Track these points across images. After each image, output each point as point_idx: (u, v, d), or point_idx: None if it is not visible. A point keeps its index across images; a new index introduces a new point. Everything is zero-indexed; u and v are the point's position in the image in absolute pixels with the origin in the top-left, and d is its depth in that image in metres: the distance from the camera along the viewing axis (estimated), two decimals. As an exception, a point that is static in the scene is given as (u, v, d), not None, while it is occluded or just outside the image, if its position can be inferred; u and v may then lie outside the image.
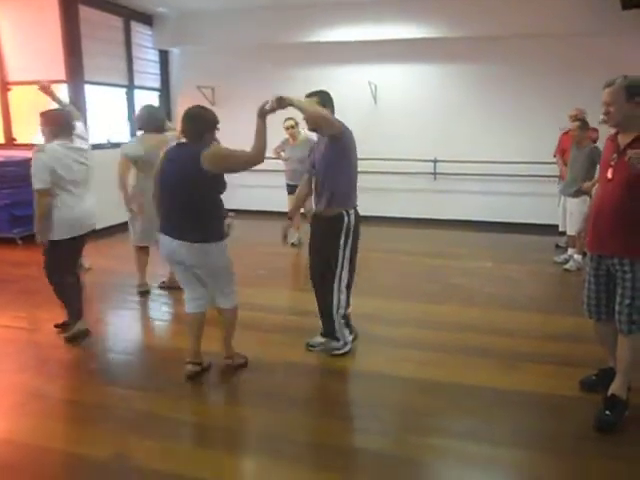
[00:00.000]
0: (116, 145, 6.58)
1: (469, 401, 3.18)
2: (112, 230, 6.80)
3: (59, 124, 3.73)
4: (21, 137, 7.39)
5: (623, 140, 2.80)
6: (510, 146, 7.86)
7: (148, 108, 4.86)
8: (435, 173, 8.31)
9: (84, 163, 3.81)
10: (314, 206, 3.72)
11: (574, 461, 2.63)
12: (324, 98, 3.56)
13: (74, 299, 3.94)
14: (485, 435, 2.84)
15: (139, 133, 4.86)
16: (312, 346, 3.82)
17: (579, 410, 3.03)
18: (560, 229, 6.17)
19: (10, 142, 7.47)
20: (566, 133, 6.21)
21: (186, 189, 3.07)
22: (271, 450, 2.74)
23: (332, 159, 3.50)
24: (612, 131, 2.95)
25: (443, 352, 3.80)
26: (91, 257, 5.36)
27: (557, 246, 6.64)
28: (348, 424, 3.00)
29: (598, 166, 3.77)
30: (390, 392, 3.33)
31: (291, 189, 6.72)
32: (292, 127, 6.48)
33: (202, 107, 3.18)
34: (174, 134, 4.66)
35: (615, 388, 2.92)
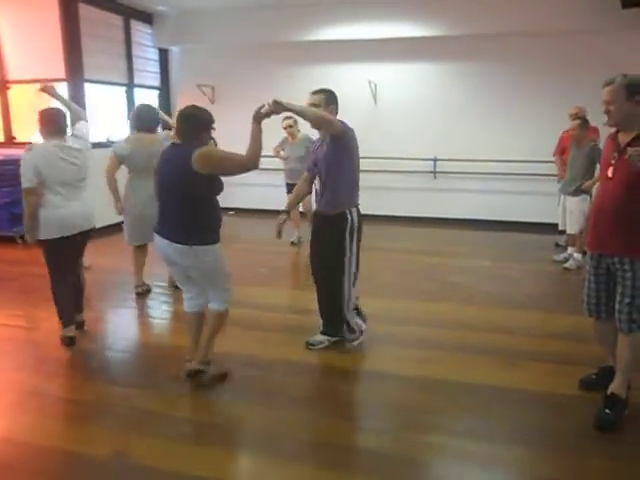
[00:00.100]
0: (116, 144, 6.57)
1: (468, 399, 3.18)
2: (112, 229, 6.78)
3: (50, 123, 3.72)
4: (21, 135, 7.38)
5: (623, 139, 2.79)
6: (510, 145, 7.86)
7: (140, 107, 4.86)
8: (435, 172, 8.30)
9: (75, 163, 3.74)
10: (315, 205, 3.72)
11: (574, 459, 2.63)
12: (329, 97, 3.56)
13: (64, 304, 3.90)
14: (484, 433, 2.84)
15: (130, 132, 4.84)
16: (312, 345, 3.82)
17: (579, 409, 3.03)
18: (560, 228, 6.17)
19: (10, 140, 7.47)
20: (566, 132, 6.20)
21: (177, 189, 3.03)
22: (271, 448, 2.74)
23: (334, 158, 3.51)
24: (612, 130, 2.95)
25: (442, 350, 3.80)
26: (91, 256, 5.34)
27: (557, 245, 6.64)
28: (348, 422, 3.00)
29: (598, 165, 3.78)
30: (389, 390, 3.33)
31: (290, 188, 6.72)
32: (290, 126, 6.49)
33: (197, 107, 3.13)
34: (169, 134, 4.65)
35: (615, 387, 2.92)
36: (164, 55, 9.23)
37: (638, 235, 2.78)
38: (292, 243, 6.84)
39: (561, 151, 6.50)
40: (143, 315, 4.77)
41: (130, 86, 8.45)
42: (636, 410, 2.94)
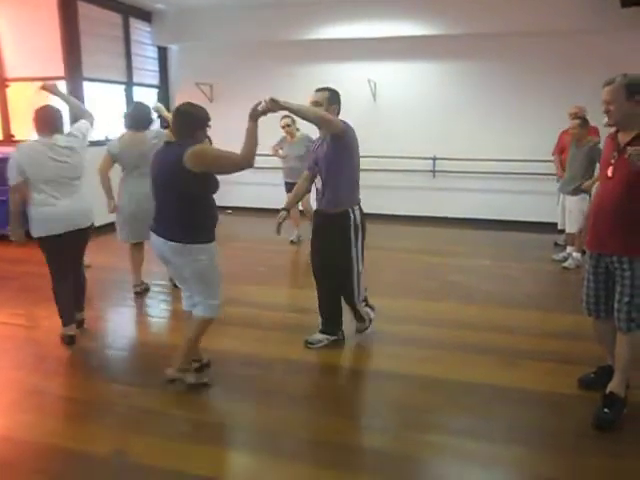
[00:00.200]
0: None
1: (468, 398, 3.19)
2: (111, 227, 6.76)
3: (42, 121, 3.71)
4: (19, 133, 7.36)
5: (623, 138, 2.80)
6: (509, 144, 7.86)
7: (133, 106, 4.85)
8: (434, 171, 8.31)
9: (65, 161, 3.69)
10: (316, 204, 3.72)
11: (573, 458, 2.64)
12: (332, 96, 3.58)
13: (64, 303, 3.90)
14: (484, 432, 2.85)
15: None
16: (311, 343, 3.82)
17: (578, 408, 3.03)
18: (559, 227, 6.18)
19: (8, 138, 7.45)
20: (566, 131, 6.21)
21: (171, 188, 3.01)
22: (270, 447, 2.74)
23: (334, 158, 3.52)
24: (612, 129, 2.95)
25: (442, 349, 3.80)
26: (91, 254, 5.33)
27: (556, 244, 6.65)
28: (347, 421, 2.99)
29: (597, 164, 3.78)
30: (389, 389, 3.33)
31: (289, 187, 6.72)
32: (288, 125, 6.50)
33: (192, 104, 3.11)
34: (159, 132, 4.62)
35: (613, 386, 2.93)
36: (163, 53, 9.22)
37: (637, 235, 2.78)
38: (291, 242, 6.84)
39: (560, 150, 6.51)
40: (142, 314, 4.77)
41: (129, 84, 8.44)
42: (635, 409, 2.95)
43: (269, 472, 2.58)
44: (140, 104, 4.96)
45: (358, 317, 3.92)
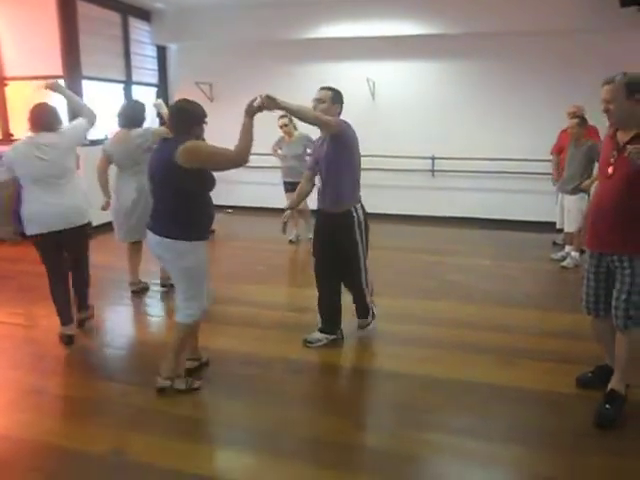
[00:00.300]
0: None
1: (467, 397, 3.19)
2: (110, 226, 6.78)
3: (33, 119, 3.71)
4: (18, 132, 7.35)
5: (622, 137, 2.80)
6: (508, 143, 7.86)
7: (124, 104, 4.83)
8: (433, 170, 8.30)
9: (46, 159, 3.63)
10: (318, 204, 3.74)
11: (571, 457, 2.64)
12: (335, 95, 3.61)
13: (62, 302, 3.89)
14: (483, 431, 2.85)
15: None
16: (310, 342, 3.82)
17: (576, 407, 3.04)
18: (558, 226, 6.18)
19: (7, 137, 7.44)
20: (565, 130, 6.21)
21: (165, 184, 3.00)
22: (270, 446, 2.74)
23: (334, 157, 3.54)
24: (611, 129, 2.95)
25: (441, 348, 3.80)
26: (90, 252, 5.34)
27: (554, 243, 6.65)
28: (346, 420, 2.99)
29: (596, 164, 3.78)
30: (388, 388, 3.34)
31: (288, 186, 6.72)
32: (286, 125, 6.49)
33: (189, 101, 3.10)
34: (147, 130, 4.59)
35: (614, 383, 2.94)
36: (162, 52, 9.20)
37: (637, 233, 2.79)
38: (290, 241, 6.83)
39: (559, 150, 6.51)
40: (141, 313, 4.76)
41: (128, 83, 8.43)
42: (634, 408, 2.96)
43: (268, 471, 2.58)
44: (132, 102, 4.93)
45: (361, 312, 3.92)
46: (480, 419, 2.97)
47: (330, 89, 3.62)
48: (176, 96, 9.05)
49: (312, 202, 4.27)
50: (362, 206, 3.70)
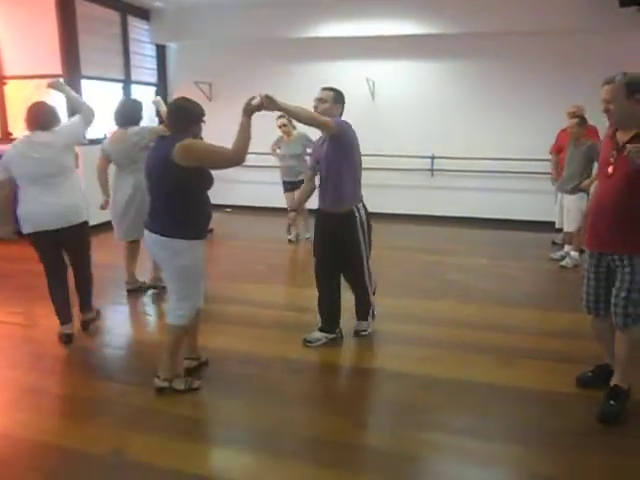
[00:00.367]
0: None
1: (467, 397, 3.19)
2: (110, 225, 6.78)
3: (27, 118, 3.71)
4: (17, 131, 7.34)
5: (622, 137, 2.80)
6: (507, 143, 7.85)
7: (120, 103, 4.80)
8: (432, 169, 8.30)
9: (39, 158, 3.60)
10: (319, 203, 3.75)
11: (571, 457, 2.64)
12: (337, 95, 3.63)
13: (60, 302, 3.87)
14: (482, 431, 2.85)
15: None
16: (309, 342, 3.82)
17: (576, 406, 3.04)
18: (557, 226, 6.18)
19: (6, 136, 7.43)
20: (564, 130, 6.21)
21: (162, 182, 2.98)
22: (269, 446, 2.74)
23: (334, 157, 3.56)
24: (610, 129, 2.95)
25: (441, 348, 3.80)
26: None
27: (554, 243, 6.66)
28: (346, 420, 2.99)
29: (596, 163, 3.78)
30: (388, 388, 3.34)
31: (287, 186, 6.73)
32: (284, 125, 6.49)
33: (187, 99, 3.08)
34: (143, 129, 4.58)
35: (617, 380, 2.96)
36: (161, 51, 9.19)
37: (637, 232, 2.79)
38: (289, 241, 6.83)
39: (558, 149, 6.50)
40: (140, 312, 4.76)
41: (127, 82, 8.42)
42: (634, 406, 2.96)
43: (268, 471, 2.58)
44: (127, 100, 4.91)
45: (361, 314, 3.92)
46: (480, 419, 2.97)
47: (332, 89, 3.64)
48: (175, 95, 9.01)
49: (309, 202, 4.26)
50: (364, 205, 3.71)
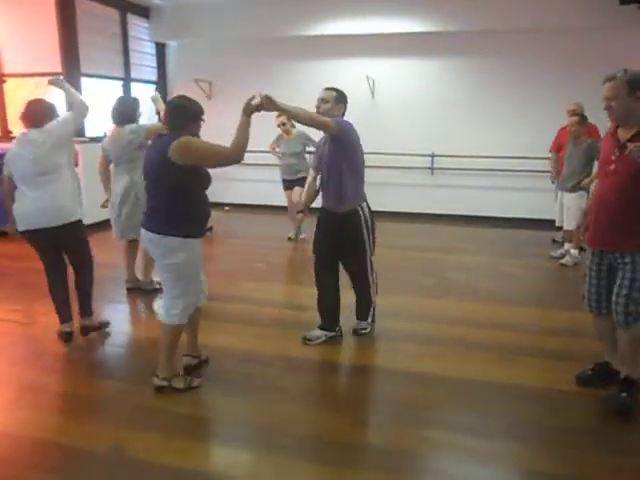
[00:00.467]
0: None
1: (467, 395, 3.18)
2: (109, 224, 6.77)
3: (24, 116, 3.71)
4: (17, 129, 7.32)
5: (623, 135, 2.79)
6: (507, 141, 7.86)
7: (117, 100, 4.75)
8: (432, 168, 8.30)
9: (27, 157, 3.57)
10: (322, 202, 3.76)
11: (572, 455, 2.63)
12: (339, 95, 3.64)
13: (60, 300, 3.85)
14: (482, 429, 2.84)
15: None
16: (309, 340, 3.82)
17: (576, 404, 3.04)
18: (557, 224, 6.17)
19: (6, 134, 7.43)
20: (564, 128, 6.21)
21: (159, 180, 2.97)
22: (269, 443, 2.74)
23: (335, 157, 3.57)
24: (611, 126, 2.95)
25: (441, 346, 3.80)
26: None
27: (554, 241, 6.66)
28: (346, 417, 2.98)
29: (596, 162, 3.77)
30: (388, 385, 3.34)
31: (287, 184, 6.72)
32: (284, 124, 6.47)
33: (186, 97, 3.07)
34: (139, 127, 4.55)
35: (627, 371, 2.95)
36: (161, 49, 9.19)
37: (638, 231, 2.79)
38: (289, 239, 6.83)
39: (557, 147, 6.50)
40: (140, 310, 4.76)
41: (127, 80, 8.41)
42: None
43: (268, 468, 2.58)
44: (124, 98, 4.88)
45: (362, 313, 3.92)
46: (480, 416, 2.96)
47: (334, 89, 3.64)
48: (175, 93, 8.99)
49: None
50: (368, 204, 3.72)
